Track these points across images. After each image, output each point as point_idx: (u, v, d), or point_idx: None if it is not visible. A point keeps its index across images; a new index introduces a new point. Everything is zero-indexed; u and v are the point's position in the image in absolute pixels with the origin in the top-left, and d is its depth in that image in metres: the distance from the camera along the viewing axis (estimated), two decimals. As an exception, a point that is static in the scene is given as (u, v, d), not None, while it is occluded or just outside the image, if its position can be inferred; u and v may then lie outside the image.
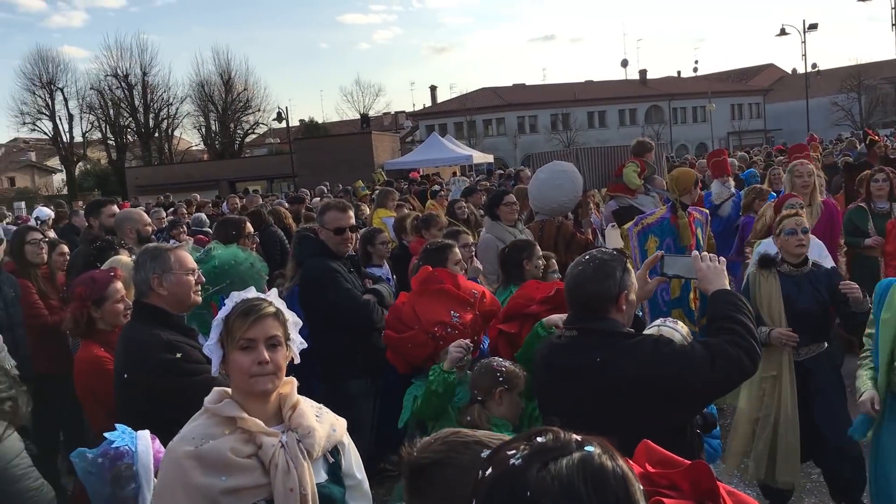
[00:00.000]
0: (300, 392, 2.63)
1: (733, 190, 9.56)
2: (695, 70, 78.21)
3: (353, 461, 2.67)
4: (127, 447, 2.79)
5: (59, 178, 65.82)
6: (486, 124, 64.54)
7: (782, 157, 17.12)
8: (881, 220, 7.27)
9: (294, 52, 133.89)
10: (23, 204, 33.33)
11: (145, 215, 6.34)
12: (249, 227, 5.96)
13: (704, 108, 62.75)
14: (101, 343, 3.96)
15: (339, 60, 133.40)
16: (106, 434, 2.84)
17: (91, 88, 57.65)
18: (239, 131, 62.25)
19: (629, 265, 3.06)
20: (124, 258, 4.85)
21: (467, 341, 3.85)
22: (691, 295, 6.36)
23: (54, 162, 64.77)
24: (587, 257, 3.09)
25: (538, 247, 5.38)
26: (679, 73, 78.71)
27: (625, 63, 75.55)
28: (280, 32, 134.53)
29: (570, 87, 68.08)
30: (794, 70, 73.43)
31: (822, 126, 49.53)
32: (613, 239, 9.12)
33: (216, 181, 43.82)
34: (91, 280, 4.08)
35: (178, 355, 3.37)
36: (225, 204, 15.96)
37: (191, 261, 3.72)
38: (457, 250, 4.79)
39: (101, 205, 6.72)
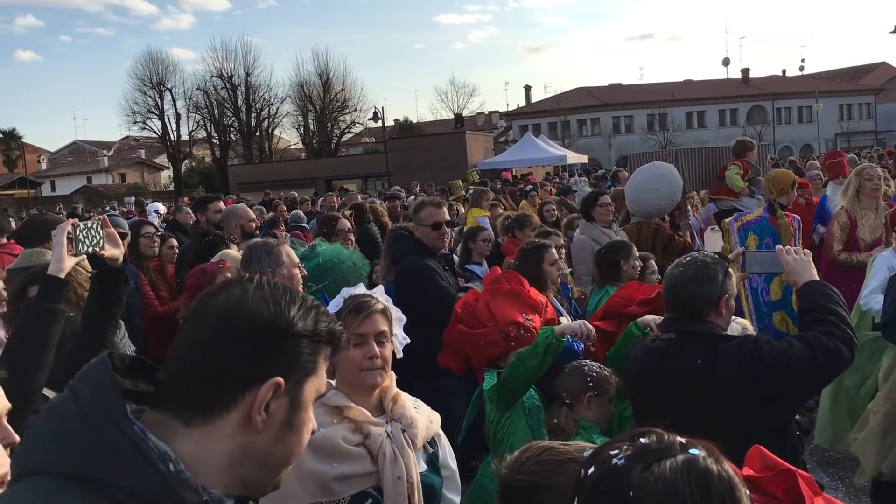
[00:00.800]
0: (398, 387, 2.71)
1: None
2: (801, 69, 74.98)
3: (448, 452, 2.74)
4: None
5: (166, 175, 68.81)
6: (581, 124, 63.85)
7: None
8: None
9: (390, 53, 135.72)
10: (132, 199, 35.06)
11: (250, 211, 6.58)
12: (343, 224, 6.11)
13: (811, 109, 60.24)
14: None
15: (434, 60, 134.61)
16: None
17: (197, 89, 60.15)
18: (336, 130, 63.61)
19: (731, 269, 3.03)
20: (233, 252, 5.07)
21: (593, 331, 3.75)
22: (794, 297, 6.18)
23: (162, 159, 67.76)
24: (688, 259, 3.07)
25: (635, 247, 5.34)
26: (784, 71, 75.84)
27: (726, 62, 72.57)
28: (376, 34, 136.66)
29: (668, 86, 66.57)
30: (910, 68, 69.71)
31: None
32: (713, 242, 8.92)
33: (313, 179, 44.87)
34: (202, 272, 4.29)
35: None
36: (321, 202, 16.30)
37: (295, 255, 3.87)
38: (553, 251, 4.79)
39: (208, 201, 7.02)
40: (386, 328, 2.60)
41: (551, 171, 33.21)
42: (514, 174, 30.98)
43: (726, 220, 7.15)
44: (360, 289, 2.72)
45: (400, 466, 2.42)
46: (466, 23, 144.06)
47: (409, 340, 2.78)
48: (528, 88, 72.95)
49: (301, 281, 3.84)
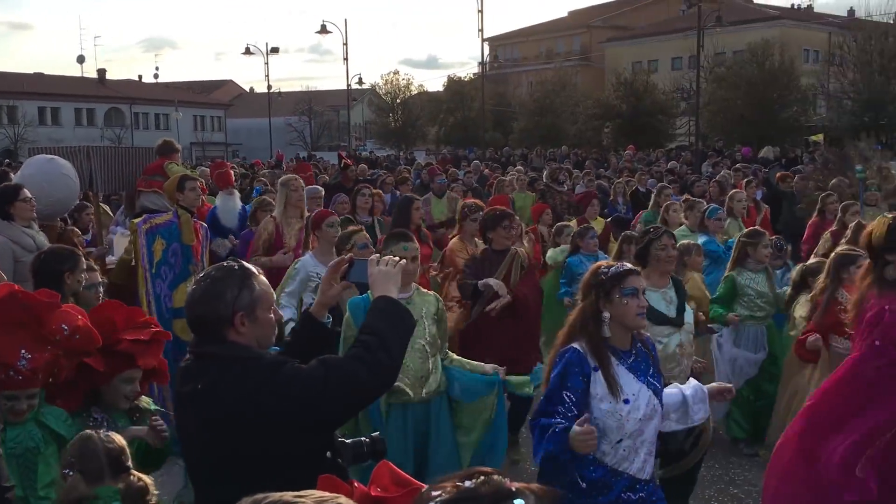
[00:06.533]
0: None
1: (238, 202, 9.37)
2: (156, 76, 75.93)
3: None
4: None
5: None
6: None
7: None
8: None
9: None
10: None
11: None
12: None
13: (167, 116, 62.06)
14: None
15: None
16: None
17: None
18: None
19: (255, 281, 2.72)
20: None
21: None
22: None
23: None
24: (202, 275, 2.77)
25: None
26: (140, 77, 76.03)
27: (81, 59, 69.41)
28: None
29: (17, 76, 60.88)
30: (252, 89, 77.30)
31: (279, 144, 52.65)
32: (121, 246, 8.46)
33: None
34: None
35: None
36: None
37: None
38: None
39: None
40: None
41: None
42: None
43: (135, 220, 6.82)
44: None
45: None
46: None
47: None
48: None
49: None
